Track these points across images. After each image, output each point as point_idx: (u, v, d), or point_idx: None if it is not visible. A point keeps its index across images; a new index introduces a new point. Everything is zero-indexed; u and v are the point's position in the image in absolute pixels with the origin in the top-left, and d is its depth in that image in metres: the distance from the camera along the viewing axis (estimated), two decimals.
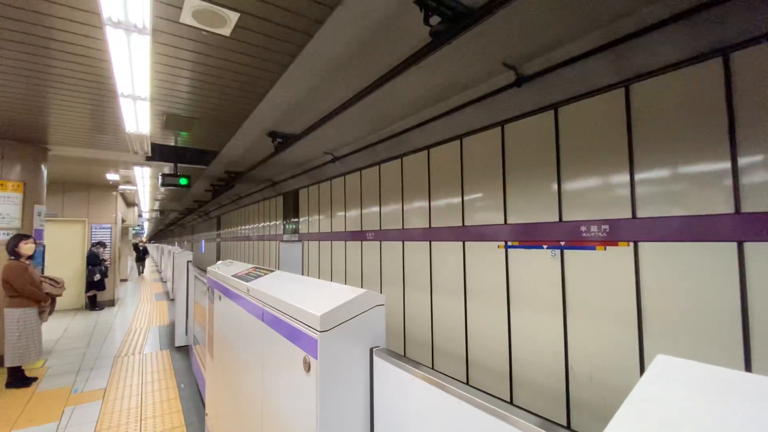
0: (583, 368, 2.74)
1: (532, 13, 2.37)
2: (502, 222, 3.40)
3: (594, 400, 2.67)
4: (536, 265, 3.10)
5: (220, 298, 2.63)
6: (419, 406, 1.05)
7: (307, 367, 1.24)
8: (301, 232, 7.89)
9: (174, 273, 7.28)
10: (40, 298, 4.27)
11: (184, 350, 5.53)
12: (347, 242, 6.01)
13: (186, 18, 2.40)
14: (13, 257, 4.19)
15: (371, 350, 1.26)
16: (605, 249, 2.65)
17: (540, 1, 2.26)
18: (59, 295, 4.63)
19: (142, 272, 17.29)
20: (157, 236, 40.10)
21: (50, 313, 4.53)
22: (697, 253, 2.23)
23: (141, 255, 17.48)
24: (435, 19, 2.20)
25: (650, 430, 0.46)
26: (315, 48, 2.78)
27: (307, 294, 1.49)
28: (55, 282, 4.61)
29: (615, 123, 2.64)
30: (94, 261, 8.42)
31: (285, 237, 8.62)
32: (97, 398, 3.86)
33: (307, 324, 1.26)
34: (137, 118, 3.90)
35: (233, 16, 2.38)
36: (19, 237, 4.37)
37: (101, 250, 8.67)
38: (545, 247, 3.03)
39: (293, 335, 1.37)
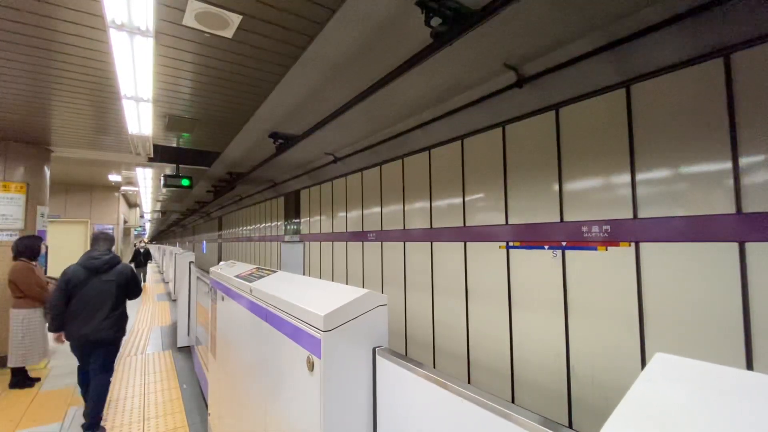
0: (584, 369, 2.75)
1: (533, 14, 2.38)
2: (504, 222, 3.40)
3: (596, 401, 2.68)
4: (537, 266, 3.11)
5: (222, 299, 2.64)
6: (422, 405, 1.06)
7: (311, 367, 1.25)
8: (302, 232, 7.90)
9: (176, 274, 7.29)
10: (45, 299, 4.29)
11: (187, 351, 5.54)
12: (348, 243, 6.02)
13: (189, 20, 2.41)
14: (25, 259, 4.21)
15: (374, 350, 1.27)
16: (606, 249, 2.66)
17: (541, 2, 2.26)
18: None
19: (144, 282, 13.96)
20: (158, 237, 40.17)
21: None
22: (699, 254, 2.23)
23: (142, 260, 13.89)
24: (436, 21, 2.21)
25: (648, 427, 0.46)
26: (316, 49, 2.79)
27: (310, 294, 1.50)
28: None
29: (616, 123, 2.65)
30: None
31: (286, 238, 8.64)
32: None
33: (311, 324, 1.27)
34: (140, 119, 3.92)
35: (235, 19, 2.40)
36: (39, 238, 4.42)
37: None
38: (546, 247, 3.03)
39: (296, 335, 1.39)
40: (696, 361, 0.54)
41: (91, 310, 3.15)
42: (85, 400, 3.24)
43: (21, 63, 2.98)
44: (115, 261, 3.36)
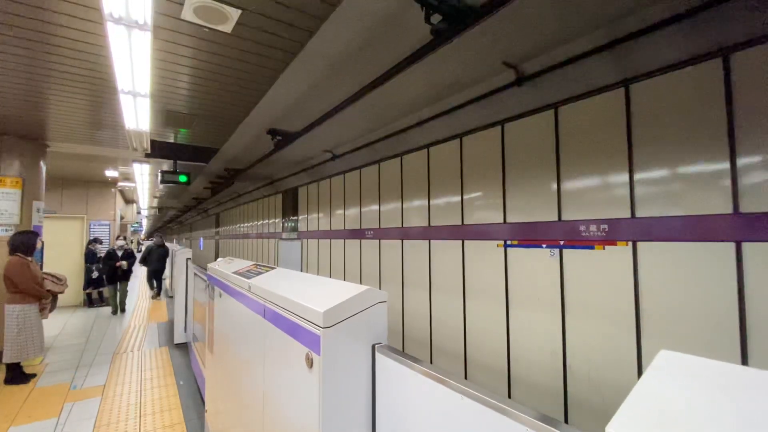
0: (581, 366, 2.76)
1: (533, 12, 2.37)
2: (502, 221, 3.41)
3: (592, 398, 2.69)
4: (535, 264, 3.11)
5: (220, 295, 2.63)
6: (421, 401, 1.06)
7: (310, 364, 1.25)
8: (300, 230, 7.89)
9: (173, 270, 7.26)
10: (41, 294, 4.26)
11: (183, 347, 5.53)
12: (346, 240, 6.01)
13: (187, 14, 2.39)
14: (21, 254, 4.18)
15: (373, 347, 1.27)
16: (604, 248, 2.67)
17: (541, 1, 2.26)
18: (61, 292, 4.61)
19: (123, 309, 8.10)
20: (155, 233, 39.97)
21: (51, 310, 4.53)
22: (696, 253, 2.24)
23: (120, 272, 7.92)
24: (436, 18, 2.20)
25: (655, 423, 0.47)
26: (316, 45, 2.77)
27: (310, 291, 1.50)
28: (58, 279, 4.60)
29: (615, 123, 2.65)
30: (92, 258, 8.40)
31: (284, 235, 8.62)
32: (96, 395, 3.86)
33: (310, 320, 1.27)
34: (137, 114, 3.89)
35: (234, 13, 2.38)
36: (35, 234, 4.38)
37: (97, 246, 8.63)
38: (544, 246, 3.04)
39: (295, 332, 1.38)
40: (700, 358, 0.55)
41: (155, 262, 9.64)
42: (152, 289, 9.91)
43: (16, 56, 2.95)
44: (163, 245, 9.86)
